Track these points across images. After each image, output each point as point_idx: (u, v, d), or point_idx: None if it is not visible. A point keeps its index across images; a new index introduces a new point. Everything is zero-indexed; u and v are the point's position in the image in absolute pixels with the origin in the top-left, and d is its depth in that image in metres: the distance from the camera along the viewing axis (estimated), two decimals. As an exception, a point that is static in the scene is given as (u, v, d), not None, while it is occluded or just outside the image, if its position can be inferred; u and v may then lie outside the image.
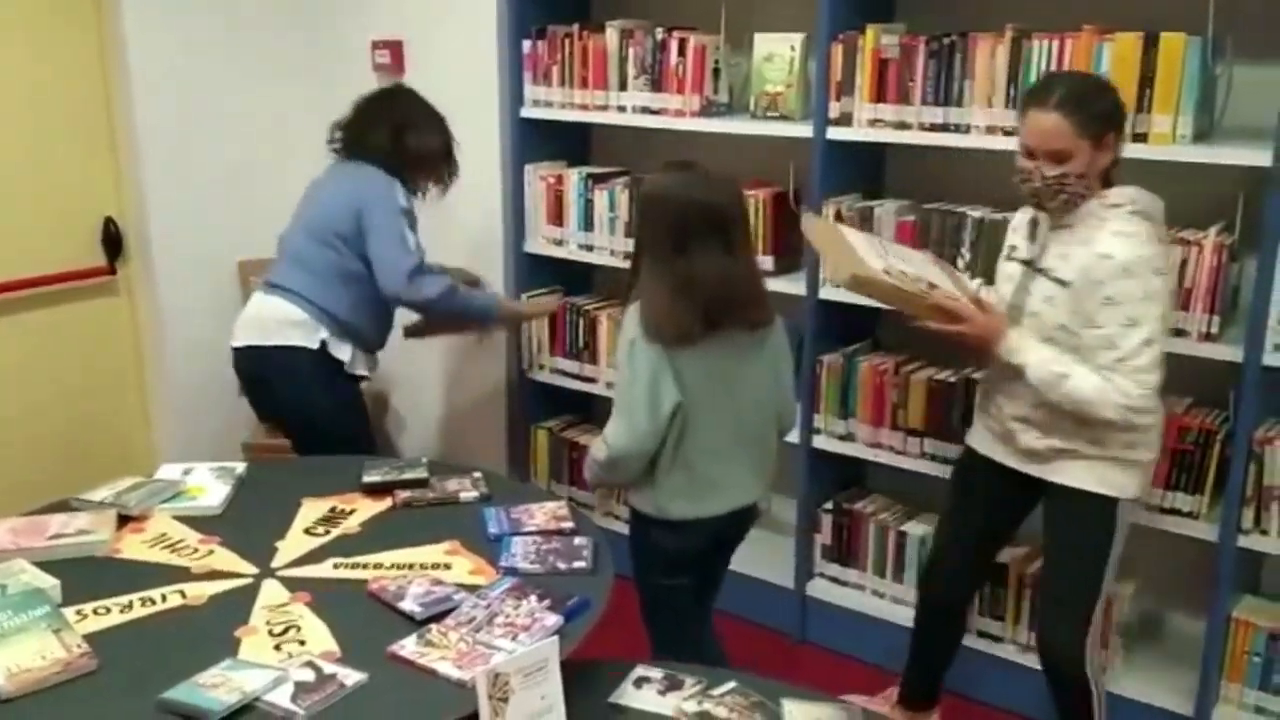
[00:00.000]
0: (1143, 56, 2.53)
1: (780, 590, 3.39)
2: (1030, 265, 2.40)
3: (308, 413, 3.12)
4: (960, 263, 2.88)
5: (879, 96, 2.94)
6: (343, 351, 3.10)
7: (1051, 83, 2.28)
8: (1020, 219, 2.52)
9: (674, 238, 2.31)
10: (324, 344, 3.06)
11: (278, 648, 1.94)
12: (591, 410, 4.03)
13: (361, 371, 3.21)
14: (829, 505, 3.32)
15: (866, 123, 2.97)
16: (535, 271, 3.83)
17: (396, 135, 3.14)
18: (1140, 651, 2.97)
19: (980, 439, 2.60)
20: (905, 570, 3.20)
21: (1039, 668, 2.53)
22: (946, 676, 2.89)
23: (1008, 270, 2.47)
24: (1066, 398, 2.28)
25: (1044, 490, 2.48)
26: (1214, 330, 2.56)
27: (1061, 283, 2.30)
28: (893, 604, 3.23)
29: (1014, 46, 2.71)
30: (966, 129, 2.82)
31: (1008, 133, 2.74)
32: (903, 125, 2.92)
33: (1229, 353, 2.54)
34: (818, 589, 3.37)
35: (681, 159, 2.47)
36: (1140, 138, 2.56)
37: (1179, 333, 2.59)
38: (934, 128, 2.87)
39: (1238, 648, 2.69)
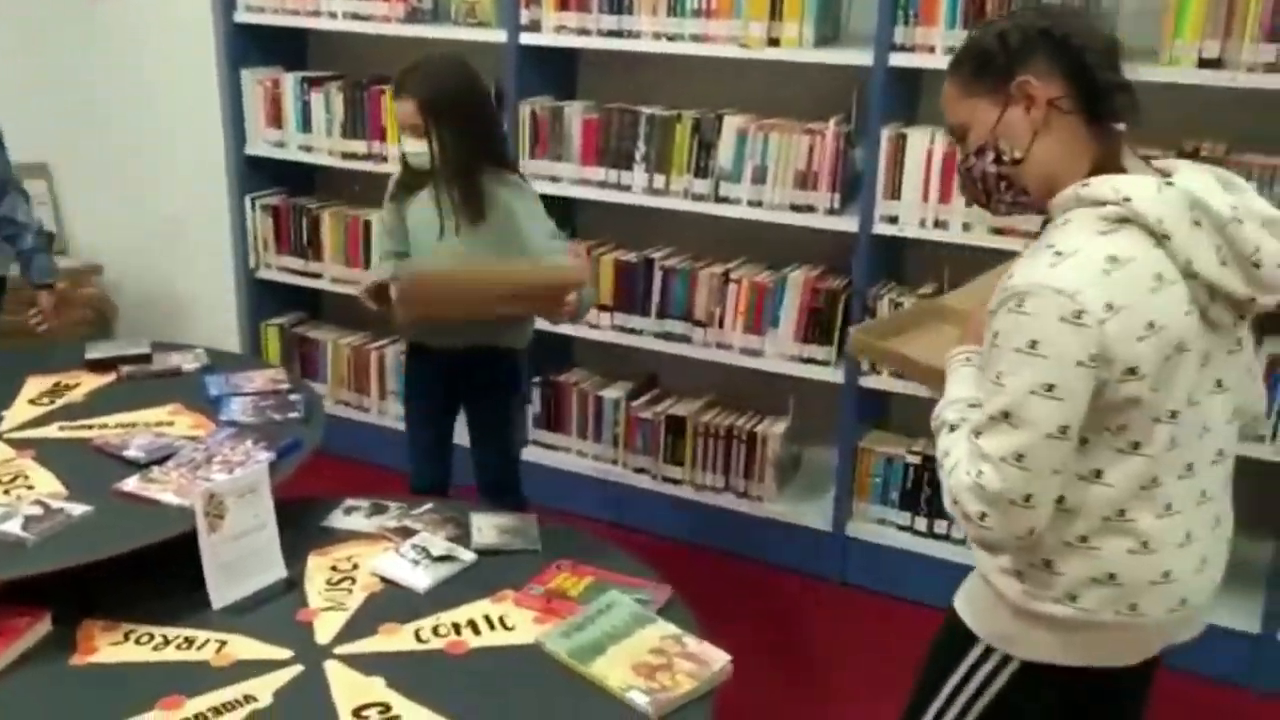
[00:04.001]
0: (775, -28, 2.99)
1: (497, 457, 3.76)
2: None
3: None
4: (637, 154, 3.29)
5: (563, 5, 3.28)
6: None
7: None
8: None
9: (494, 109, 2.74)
10: None
11: (6, 493, 2.14)
12: (319, 307, 4.25)
13: None
14: (538, 379, 3.71)
15: (553, 29, 3.32)
16: (258, 174, 4.01)
17: None
18: (791, 483, 3.52)
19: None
20: (603, 431, 3.64)
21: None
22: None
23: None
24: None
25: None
26: (836, 206, 3.08)
27: None
28: (594, 461, 3.66)
29: (671, -40, 3.12)
30: (637, 35, 3.21)
31: (670, 38, 3.15)
32: (584, 31, 3.28)
33: (848, 224, 3.07)
34: (532, 454, 3.76)
35: (442, 52, 2.71)
36: (774, 42, 3.02)
37: (809, 209, 3.09)
38: (610, 34, 3.24)
39: (864, 471, 3.27)
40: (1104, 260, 1.41)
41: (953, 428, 1.53)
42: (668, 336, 3.42)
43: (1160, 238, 1.43)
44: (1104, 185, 1.46)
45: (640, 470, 3.58)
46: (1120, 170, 1.51)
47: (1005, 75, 1.51)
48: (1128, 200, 1.43)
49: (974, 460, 1.45)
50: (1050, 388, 1.40)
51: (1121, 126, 1.53)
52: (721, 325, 3.33)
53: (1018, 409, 1.42)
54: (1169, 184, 1.45)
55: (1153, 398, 1.45)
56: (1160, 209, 1.43)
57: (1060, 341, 1.39)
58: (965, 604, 1.70)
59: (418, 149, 2.59)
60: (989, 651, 1.65)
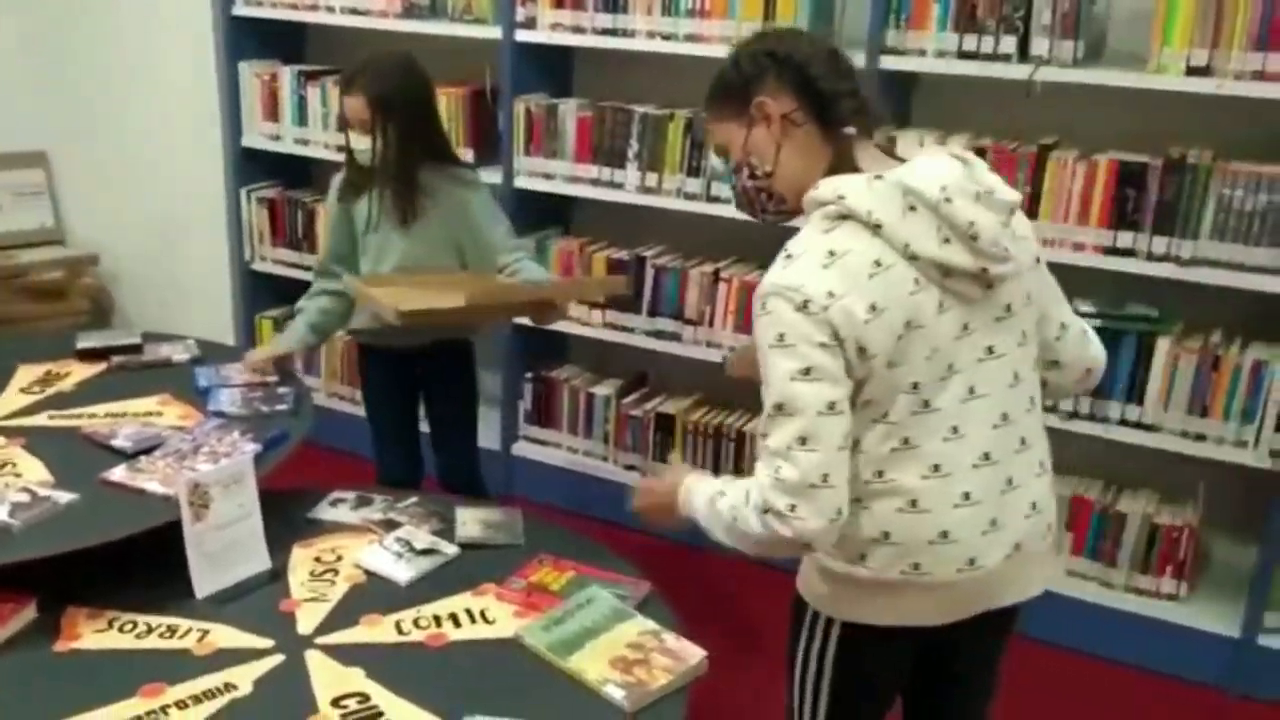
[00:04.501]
0: (765, -21, 3.00)
1: (488, 453, 3.77)
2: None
3: None
4: (630, 153, 3.31)
5: (559, 3, 3.30)
6: None
7: None
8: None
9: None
10: None
11: (-6, 480, 2.16)
12: (314, 299, 4.25)
13: None
14: (529, 374, 3.72)
15: (549, 27, 3.34)
16: (254, 166, 4.02)
17: None
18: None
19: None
20: (594, 428, 3.65)
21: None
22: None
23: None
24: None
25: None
26: (827, 207, 3.09)
27: None
28: (584, 458, 3.68)
29: (667, -41, 3.13)
30: (632, 34, 3.22)
31: (665, 38, 3.17)
32: (579, 29, 3.29)
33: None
34: (521, 449, 3.78)
35: (390, 50, 2.75)
36: (768, 45, 3.03)
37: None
38: (605, 32, 3.26)
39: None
40: (823, 255, 1.52)
41: (723, 493, 1.63)
42: (658, 334, 3.43)
43: (873, 227, 1.52)
44: (826, 187, 1.57)
45: (630, 467, 3.60)
46: (856, 170, 1.59)
47: (744, 98, 1.64)
48: (842, 198, 1.54)
49: (768, 462, 1.53)
50: (806, 371, 1.50)
51: (851, 130, 1.62)
52: (711, 324, 3.34)
53: (787, 399, 1.51)
54: (878, 177, 1.54)
55: (890, 374, 1.54)
56: (869, 201, 1.52)
57: (800, 329, 1.50)
58: (799, 575, 1.78)
59: (367, 145, 2.59)
60: (816, 615, 1.73)
